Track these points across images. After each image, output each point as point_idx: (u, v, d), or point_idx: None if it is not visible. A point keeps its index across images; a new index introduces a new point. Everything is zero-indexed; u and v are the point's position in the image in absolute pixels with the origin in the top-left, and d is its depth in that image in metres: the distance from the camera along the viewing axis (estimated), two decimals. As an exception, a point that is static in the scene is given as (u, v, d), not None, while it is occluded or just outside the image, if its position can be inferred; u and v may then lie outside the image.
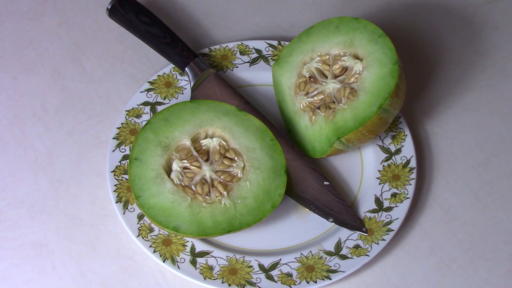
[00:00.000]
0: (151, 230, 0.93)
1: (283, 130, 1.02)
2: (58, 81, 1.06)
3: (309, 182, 0.97)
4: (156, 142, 0.93)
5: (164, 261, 0.91)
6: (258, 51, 1.08)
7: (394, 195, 0.97)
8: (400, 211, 0.95)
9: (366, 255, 0.92)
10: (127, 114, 1.01)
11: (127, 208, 0.94)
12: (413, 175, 0.98)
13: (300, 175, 0.97)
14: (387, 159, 1.00)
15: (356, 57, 0.98)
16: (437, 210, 0.98)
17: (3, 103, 1.04)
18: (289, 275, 0.91)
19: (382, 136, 1.01)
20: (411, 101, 1.06)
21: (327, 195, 0.96)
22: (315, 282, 0.90)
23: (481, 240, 0.97)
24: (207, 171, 0.93)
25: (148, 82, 1.04)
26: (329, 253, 0.93)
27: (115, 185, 0.95)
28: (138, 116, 1.01)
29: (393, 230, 0.94)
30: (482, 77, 1.09)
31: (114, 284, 0.92)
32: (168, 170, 0.92)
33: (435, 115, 1.06)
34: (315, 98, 0.98)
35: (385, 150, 1.00)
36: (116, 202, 0.94)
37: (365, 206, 0.97)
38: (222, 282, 0.90)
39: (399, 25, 1.14)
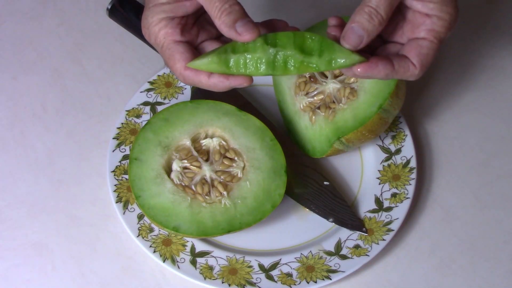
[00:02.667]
0: (151, 230, 0.93)
1: (283, 130, 1.02)
2: (58, 81, 1.06)
3: (309, 182, 0.97)
4: (156, 142, 0.93)
5: (164, 261, 0.91)
6: (258, 51, 1.07)
7: (394, 195, 0.97)
8: (400, 211, 0.95)
9: (366, 255, 0.92)
10: (127, 114, 1.01)
11: (127, 208, 0.94)
12: (413, 175, 0.98)
13: (300, 175, 0.97)
14: (387, 159, 0.99)
15: (356, 57, 0.98)
16: (437, 210, 0.98)
17: (3, 103, 1.04)
18: (289, 275, 0.91)
19: (382, 136, 1.01)
20: (411, 101, 1.06)
21: (327, 195, 0.96)
22: (315, 282, 0.90)
23: (481, 240, 0.96)
24: (207, 171, 0.93)
25: (148, 82, 1.04)
26: (329, 253, 0.93)
27: (115, 185, 0.95)
28: (138, 116, 1.01)
29: (393, 230, 0.94)
30: (482, 77, 1.09)
31: (114, 284, 0.92)
32: (168, 170, 0.92)
33: (435, 115, 1.06)
34: (315, 98, 0.98)
35: (385, 150, 1.00)
36: (116, 202, 0.94)
37: (365, 206, 0.96)
38: (222, 282, 0.90)
39: (399, 25, 1.13)
